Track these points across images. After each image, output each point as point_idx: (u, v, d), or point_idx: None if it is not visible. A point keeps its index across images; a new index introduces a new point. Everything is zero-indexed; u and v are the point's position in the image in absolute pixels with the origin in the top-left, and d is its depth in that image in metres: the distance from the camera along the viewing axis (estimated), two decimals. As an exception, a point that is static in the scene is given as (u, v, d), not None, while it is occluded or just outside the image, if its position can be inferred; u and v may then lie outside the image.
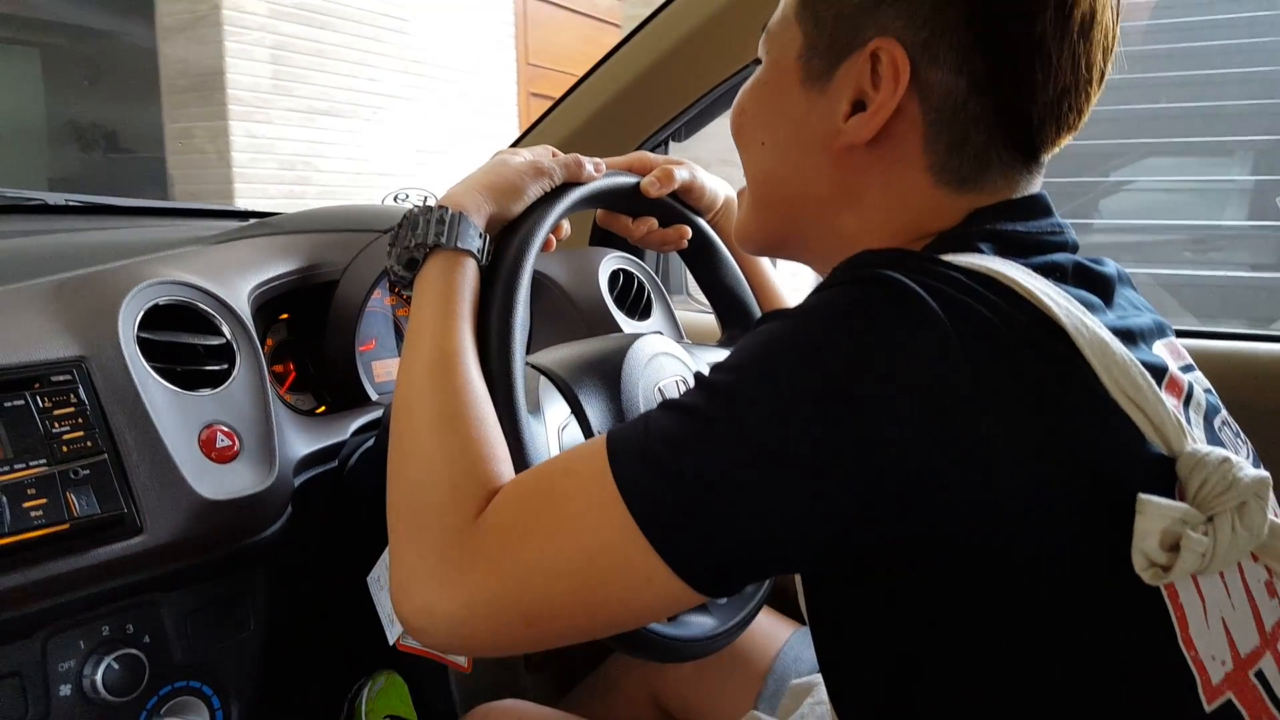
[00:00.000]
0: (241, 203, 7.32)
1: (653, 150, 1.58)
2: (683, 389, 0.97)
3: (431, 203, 0.85)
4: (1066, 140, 0.73)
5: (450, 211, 0.82)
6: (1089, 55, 0.68)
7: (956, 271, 0.62)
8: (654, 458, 0.62)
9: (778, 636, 1.19)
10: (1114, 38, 0.70)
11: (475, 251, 0.83)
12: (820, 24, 0.73)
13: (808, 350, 0.59)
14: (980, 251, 0.65)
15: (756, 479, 0.58)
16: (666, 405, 0.65)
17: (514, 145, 1.63)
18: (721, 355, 1.07)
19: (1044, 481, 0.57)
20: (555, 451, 0.84)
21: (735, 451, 0.59)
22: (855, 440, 0.56)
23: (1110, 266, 0.73)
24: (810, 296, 0.64)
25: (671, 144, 1.64)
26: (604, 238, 1.64)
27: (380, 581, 0.95)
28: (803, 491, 0.58)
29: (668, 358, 0.98)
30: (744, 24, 1.40)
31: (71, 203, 1.36)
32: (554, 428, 0.86)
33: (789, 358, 0.60)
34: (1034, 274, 0.63)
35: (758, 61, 0.80)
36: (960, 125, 0.69)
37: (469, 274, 0.82)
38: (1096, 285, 0.69)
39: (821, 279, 0.77)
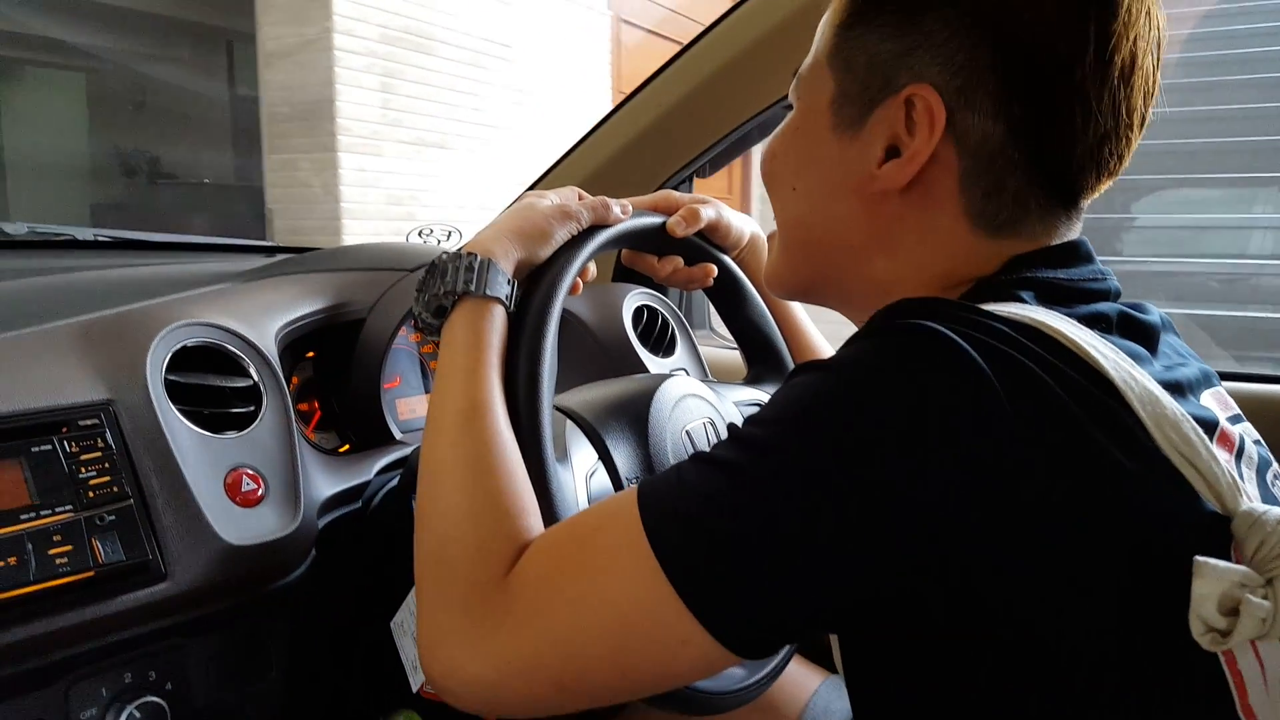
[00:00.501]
0: (349, 239, 6.99)
1: (677, 187, 1.58)
2: (710, 432, 0.96)
3: (457, 241, 0.85)
4: (1107, 185, 0.72)
5: (478, 258, 0.82)
6: (1130, 100, 0.67)
7: (998, 322, 0.60)
8: (688, 515, 0.60)
9: (807, 686, 1.18)
10: (1155, 82, 0.69)
11: (503, 298, 0.82)
12: (853, 70, 0.72)
13: (845, 405, 0.58)
14: (1022, 300, 0.64)
15: (794, 538, 0.56)
16: (699, 459, 0.63)
17: (537, 182, 1.63)
18: (747, 394, 1.06)
19: (1092, 542, 0.55)
20: (583, 499, 0.83)
21: (771, 509, 0.57)
22: (894, 499, 0.55)
23: (1154, 314, 0.72)
24: (847, 346, 0.62)
25: (695, 180, 1.64)
26: (627, 274, 1.63)
27: (404, 627, 0.94)
28: (841, 551, 0.56)
29: (695, 399, 0.97)
30: (769, 62, 1.40)
31: (100, 238, 1.37)
32: (582, 474, 0.85)
33: (826, 413, 0.58)
34: (1079, 324, 0.62)
35: (788, 106, 0.80)
36: (997, 171, 0.68)
37: (497, 321, 0.81)
38: (1141, 335, 0.68)
39: (855, 326, 0.77)
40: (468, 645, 0.67)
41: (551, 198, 0.90)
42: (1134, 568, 0.56)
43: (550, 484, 0.78)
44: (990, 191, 0.69)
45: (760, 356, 1.13)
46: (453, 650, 0.67)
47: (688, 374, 1.09)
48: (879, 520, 0.55)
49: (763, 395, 1.07)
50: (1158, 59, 0.69)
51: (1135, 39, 0.66)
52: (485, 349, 0.80)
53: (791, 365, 1.11)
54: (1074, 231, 0.73)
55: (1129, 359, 0.61)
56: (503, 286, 0.82)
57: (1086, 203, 0.72)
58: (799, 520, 0.56)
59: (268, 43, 7.29)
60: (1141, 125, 0.69)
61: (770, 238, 0.85)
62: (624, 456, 0.88)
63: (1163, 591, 0.56)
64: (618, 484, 0.86)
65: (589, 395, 0.93)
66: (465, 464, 0.74)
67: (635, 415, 0.91)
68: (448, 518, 0.73)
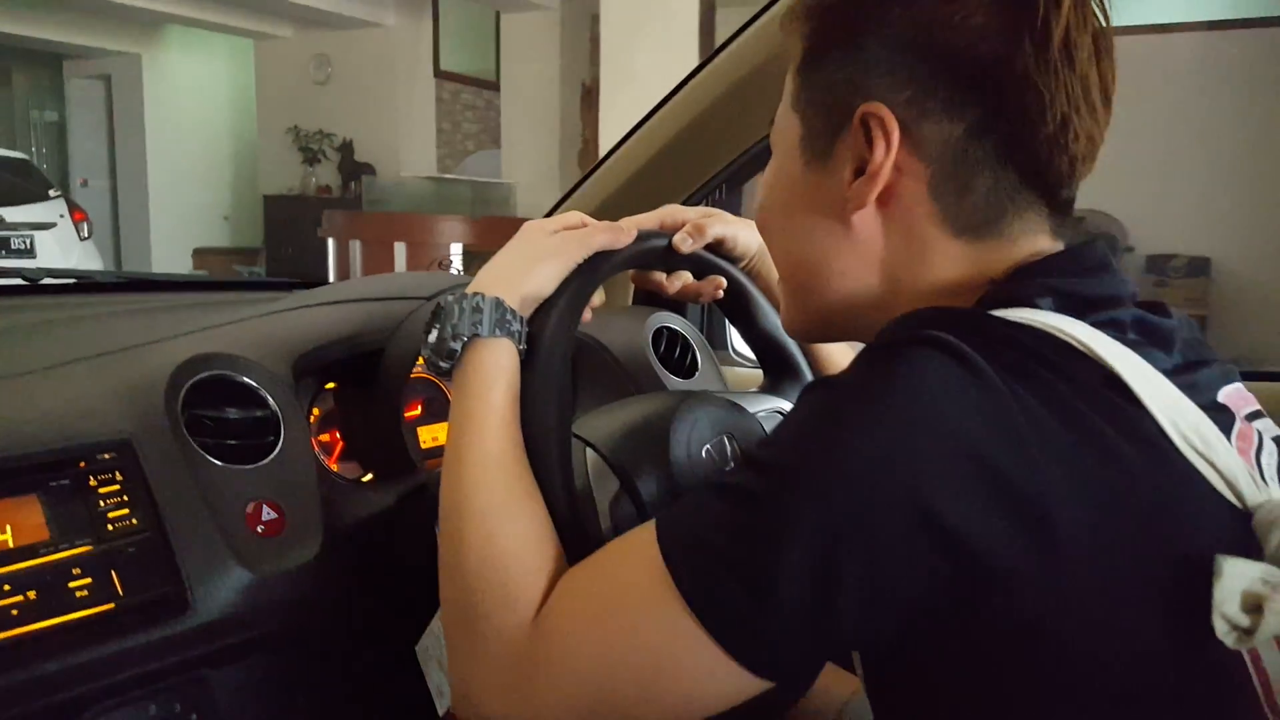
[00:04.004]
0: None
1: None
2: (731, 447, 0.95)
3: (464, 282, 0.85)
4: (1085, 171, 0.71)
5: (484, 298, 0.82)
6: (1084, 80, 0.67)
7: (1010, 328, 0.61)
8: (707, 548, 0.60)
9: (838, 695, 1.16)
10: (1108, 52, 0.69)
11: (512, 335, 0.82)
12: (814, 107, 0.75)
13: (858, 423, 0.58)
14: (1036, 306, 0.64)
15: (814, 561, 0.56)
16: (716, 488, 0.63)
17: (551, 212, 1.63)
18: (767, 403, 1.05)
19: (1113, 545, 0.55)
20: (608, 527, 0.83)
21: (790, 534, 0.57)
22: (914, 514, 0.55)
23: (1172, 316, 0.71)
24: (858, 362, 0.63)
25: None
26: (647, 297, 1.63)
27: (429, 652, 0.94)
28: (863, 570, 0.56)
29: (713, 415, 0.96)
30: (781, 81, 1.39)
31: (116, 279, 1.38)
32: (605, 503, 0.85)
33: (840, 431, 0.58)
34: (1093, 329, 0.62)
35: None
36: (965, 172, 0.69)
37: (508, 361, 0.82)
38: (1158, 336, 0.67)
39: None
40: (501, 692, 0.68)
41: (554, 225, 0.90)
42: (1156, 569, 0.56)
43: (573, 522, 0.78)
44: (961, 193, 0.69)
45: (777, 366, 1.12)
46: (486, 697, 0.69)
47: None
48: (899, 539, 0.55)
49: (783, 403, 1.06)
50: (1104, 28, 0.69)
51: (1067, 19, 0.66)
52: (498, 391, 0.80)
53: (808, 373, 1.11)
54: (1066, 230, 0.73)
55: (1144, 362, 0.61)
56: (511, 325, 0.82)
57: (1069, 194, 0.72)
58: (818, 546, 0.56)
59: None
60: (1106, 101, 0.70)
61: (779, 284, 0.86)
62: (646, 480, 0.88)
63: (1185, 591, 0.55)
64: (641, 510, 0.85)
65: (607, 421, 0.93)
66: (486, 512, 0.75)
67: (654, 437, 0.90)
68: (472, 567, 0.73)
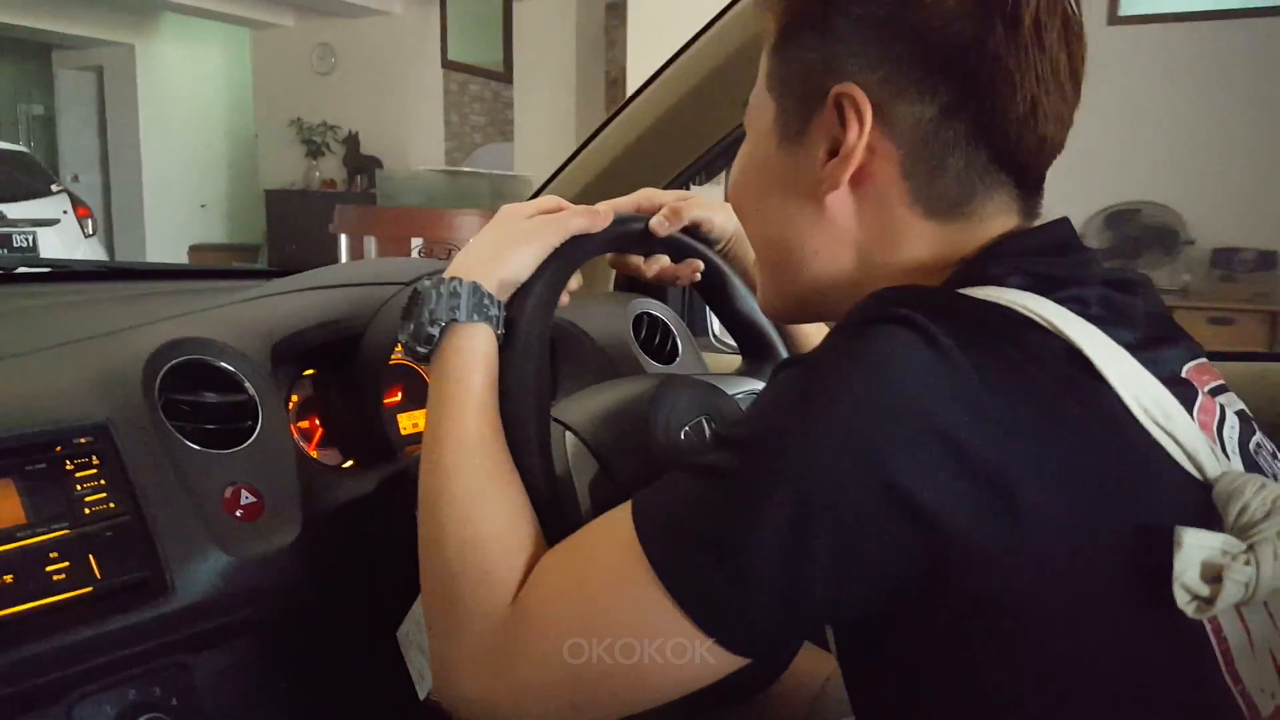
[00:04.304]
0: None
1: (672, 192, 1.57)
2: (709, 429, 0.96)
3: (444, 268, 0.85)
4: (1055, 151, 0.72)
5: (462, 282, 0.82)
6: (1053, 61, 0.68)
7: (977, 306, 0.62)
8: (680, 526, 0.61)
9: (819, 673, 1.16)
10: (1078, 36, 0.70)
11: (490, 319, 0.82)
12: (788, 88, 0.75)
13: (827, 400, 0.59)
14: (1001, 284, 0.65)
15: (786, 537, 0.57)
16: (688, 468, 0.64)
17: (533, 198, 1.63)
18: (745, 384, 1.06)
19: (1076, 517, 0.56)
20: (587, 509, 0.84)
21: (761, 510, 0.58)
22: (881, 488, 0.56)
23: (1136, 292, 0.72)
24: (827, 340, 0.64)
25: (692, 186, 1.63)
26: (628, 283, 1.63)
27: (409, 637, 0.94)
28: (834, 545, 0.57)
29: (691, 397, 0.96)
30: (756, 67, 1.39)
31: (93, 268, 1.37)
32: (584, 486, 0.85)
33: (809, 409, 0.59)
34: (1058, 305, 0.63)
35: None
36: (936, 153, 0.69)
37: (487, 346, 0.82)
38: (1122, 313, 0.68)
39: None
40: (481, 673, 0.69)
41: (530, 209, 0.90)
42: (1118, 541, 0.57)
43: (552, 504, 0.79)
44: (933, 173, 0.70)
45: (754, 348, 1.13)
46: (470, 681, 0.70)
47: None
48: (868, 514, 0.56)
49: (760, 384, 1.06)
50: (1075, 11, 0.69)
51: (1037, 2, 0.66)
52: (477, 375, 0.80)
53: (785, 354, 1.11)
54: (1038, 210, 0.74)
55: (1107, 338, 0.62)
56: (489, 309, 0.82)
57: (1039, 174, 0.73)
58: (789, 522, 0.57)
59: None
60: (1076, 83, 0.70)
61: (756, 264, 0.86)
62: (625, 463, 0.88)
63: (1147, 562, 0.57)
64: (621, 492, 0.85)
65: (586, 404, 0.93)
66: (465, 497, 0.76)
67: (633, 420, 0.91)
68: (451, 549, 0.74)
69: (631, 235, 0.97)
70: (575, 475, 0.85)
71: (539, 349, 0.83)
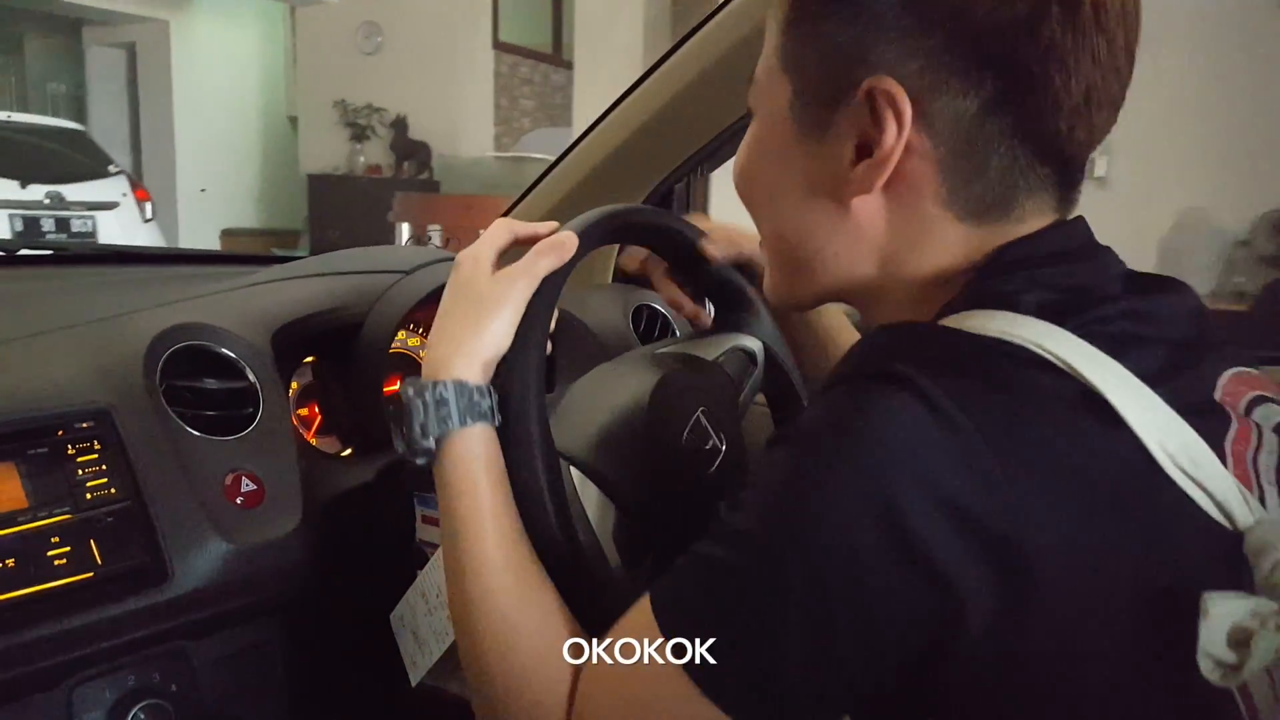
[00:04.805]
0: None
1: (668, 192, 1.56)
2: (709, 424, 0.95)
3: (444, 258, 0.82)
4: (1103, 138, 0.65)
5: (447, 385, 0.76)
6: (1110, 43, 0.61)
7: (982, 353, 0.58)
8: (707, 627, 0.59)
9: None
10: (1135, 8, 0.63)
11: (484, 415, 0.77)
12: (806, 69, 0.67)
13: (829, 478, 0.56)
14: (1015, 308, 0.60)
15: (805, 628, 0.55)
16: (701, 561, 0.61)
17: (526, 193, 1.62)
18: (723, 344, 1.02)
19: (1094, 581, 0.54)
20: (617, 564, 0.83)
21: (778, 611, 0.56)
22: (894, 562, 0.53)
23: (1166, 290, 0.66)
24: (820, 408, 0.60)
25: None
26: (628, 275, 1.63)
27: (404, 620, 0.94)
28: (852, 632, 0.55)
29: (681, 394, 0.94)
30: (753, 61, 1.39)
31: (95, 251, 1.37)
32: (607, 535, 0.84)
33: (811, 490, 0.56)
34: (1073, 339, 0.58)
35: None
36: (979, 151, 0.63)
37: (486, 448, 0.77)
38: (1148, 328, 0.62)
39: (866, 322, 0.75)
40: None
41: (487, 258, 0.82)
42: (1141, 603, 0.55)
43: (583, 575, 0.78)
44: (974, 173, 0.64)
45: (728, 302, 1.07)
46: None
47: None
48: (883, 588, 0.54)
49: (742, 338, 1.04)
50: None
51: None
52: (483, 484, 0.76)
53: (759, 300, 1.06)
54: (1074, 207, 0.68)
55: (1129, 374, 0.57)
56: (480, 405, 0.77)
57: (1083, 167, 0.67)
58: (804, 610, 0.55)
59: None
60: (1131, 61, 0.63)
61: (760, 249, 0.81)
62: (635, 491, 0.87)
63: (1171, 625, 0.54)
64: (638, 523, 0.86)
65: (585, 432, 0.89)
66: (500, 622, 0.72)
67: (634, 438, 0.89)
68: (494, 674, 0.72)
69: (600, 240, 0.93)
70: (595, 524, 0.83)
71: (539, 416, 0.79)
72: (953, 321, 0.61)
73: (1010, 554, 0.53)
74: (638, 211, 1.01)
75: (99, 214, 7.09)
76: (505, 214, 1.67)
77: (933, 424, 0.54)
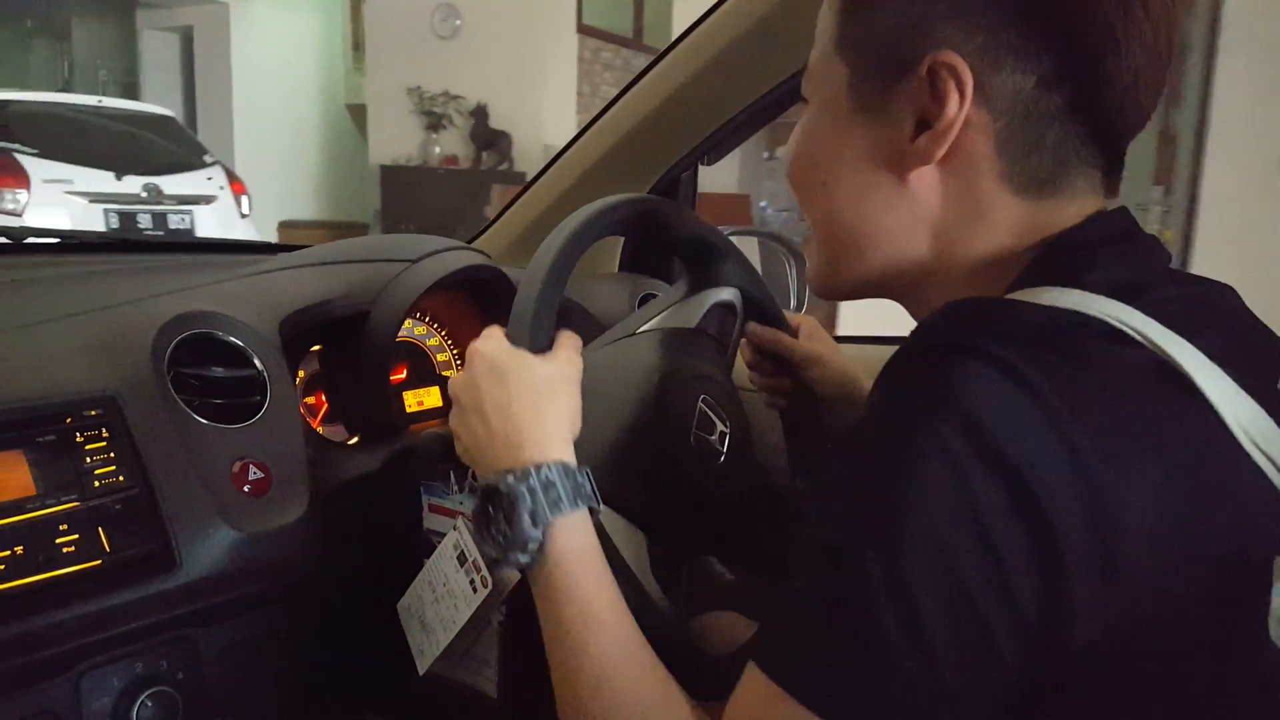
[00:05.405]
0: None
1: (679, 176, 1.57)
2: (713, 413, 0.95)
3: (455, 245, 0.82)
4: (1146, 122, 0.67)
5: (552, 468, 0.75)
6: (1155, 29, 0.63)
7: (1062, 325, 0.58)
8: (821, 666, 0.55)
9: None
10: (1176, 3, 0.65)
11: (587, 497, 0.76)
12: (865, 51, 0.69)
13: (920, 463, 0.54)
14: (1086, 287, 0.60)
15: (944, 603, 0.53)
16: (796, 601, 0.58)
17: (539, 174, 1.62)
18: (702, 303, 1.03)
19: (1176, 552, 0.54)
20: (659, 596, 0.84)
21: (911, 598, 0.53)
22: (1011, 514, 0.52)
23: (1216, 284, 0.68)
24: (888, 384, 0.59)
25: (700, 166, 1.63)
26: (633, 263, 1.63)
27: (411, 609, 0.94)
28: (990, 589, 0.53)
29: (677, 392, 0.94)
30: (770, 44, 1.39)
31: (102, 239, 1.37)
32: (645, 572, 0.85)
33: (902, 482, 0.54)
34: (1146, 317, 0.58)
35: (796, 94, 0.77)
36: (1035, 126, 0.65)
37: (591, 538, 0.76)
38: (1209, 315, 0.63)
39: (911, 317, 0.74)
40: None
41: (566, 371, 0.83)
42: (1220, 572, 0.55)
43: (671, 639, 0.78)
44: (1029, 148, 0.65)
45: (700, 258, 1.06)
46: None
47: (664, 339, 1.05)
48: (1008, 542, 0.52)
49: (721, 292, 1.04)
50: None
51: None
52: (600, 573, 0.75)
53: (730, 246, 1.06)
54: (1118, 188, 0.69)
55: (1199, 353, 0.58)
56: (584, 486, 0.77)
57: (1125, 149, 0.69)
58: (940, 591, 0.53)
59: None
60: (1172, 49, 0.65)
61: (806, 242, 0.81)
62: (663, 516, 0.88)
63: (1247, 594, 0.55)
64: (672, 547, 0.88)
65: (601, 461, 0.87)
66: (624, 701, 0.70)
67: (649, 457, 0.89)
68: None
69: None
70: (634, 567, 0.84)
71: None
72: (1023, 296, 0.62)
73: (1100, 525, 0.52)
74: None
75: (196, 208, 6.65)
76: (511, 203, 1.68)
77: (1024, 401, 0.53)
